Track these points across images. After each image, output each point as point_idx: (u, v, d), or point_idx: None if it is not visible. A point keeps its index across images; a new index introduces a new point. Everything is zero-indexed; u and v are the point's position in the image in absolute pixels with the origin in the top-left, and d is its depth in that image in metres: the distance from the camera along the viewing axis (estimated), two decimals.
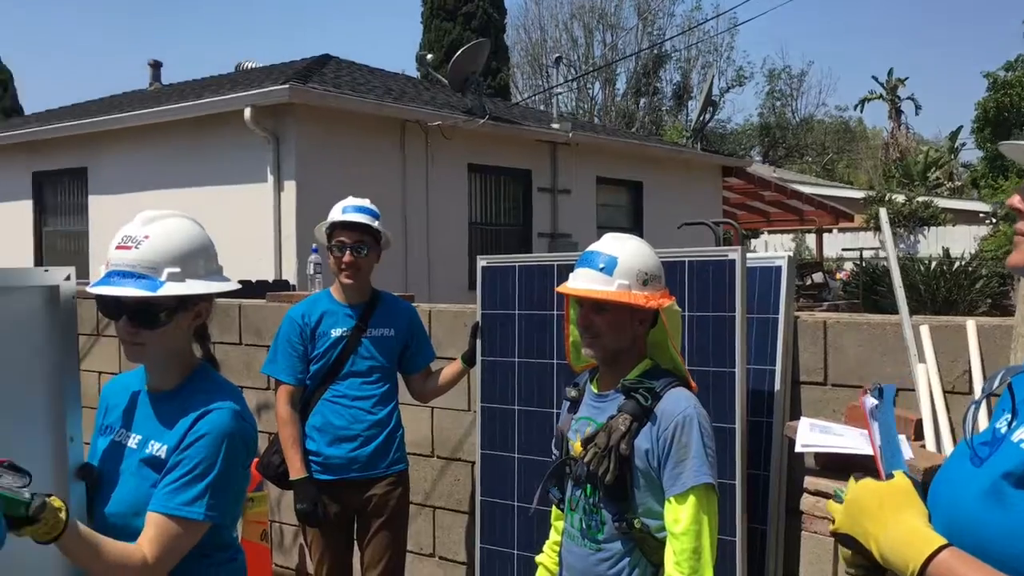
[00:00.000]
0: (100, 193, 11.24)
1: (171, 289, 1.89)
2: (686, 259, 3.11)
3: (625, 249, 2.34)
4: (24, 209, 12.18)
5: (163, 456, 1.92)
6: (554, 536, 2.60)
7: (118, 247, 1.92)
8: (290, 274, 9.05)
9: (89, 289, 1.93)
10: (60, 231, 12.12)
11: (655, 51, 32.63)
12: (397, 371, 3.70)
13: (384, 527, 3.59)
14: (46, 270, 1.97)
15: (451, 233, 10.83)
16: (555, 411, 3.40)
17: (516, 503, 3.56)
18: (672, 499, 2.21)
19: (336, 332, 3.55)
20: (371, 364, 3.57)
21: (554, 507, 2.58)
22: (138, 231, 1.93)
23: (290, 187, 9.35)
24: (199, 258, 1.97)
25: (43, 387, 1.93)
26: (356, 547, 3.69)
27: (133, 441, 1.99)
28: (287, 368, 3.54)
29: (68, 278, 1.99)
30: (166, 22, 57.60)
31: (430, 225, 10.50)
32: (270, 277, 8.89)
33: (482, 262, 3.72)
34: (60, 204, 12.09)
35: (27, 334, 1.91)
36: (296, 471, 3.47)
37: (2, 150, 12.32)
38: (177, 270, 1.90)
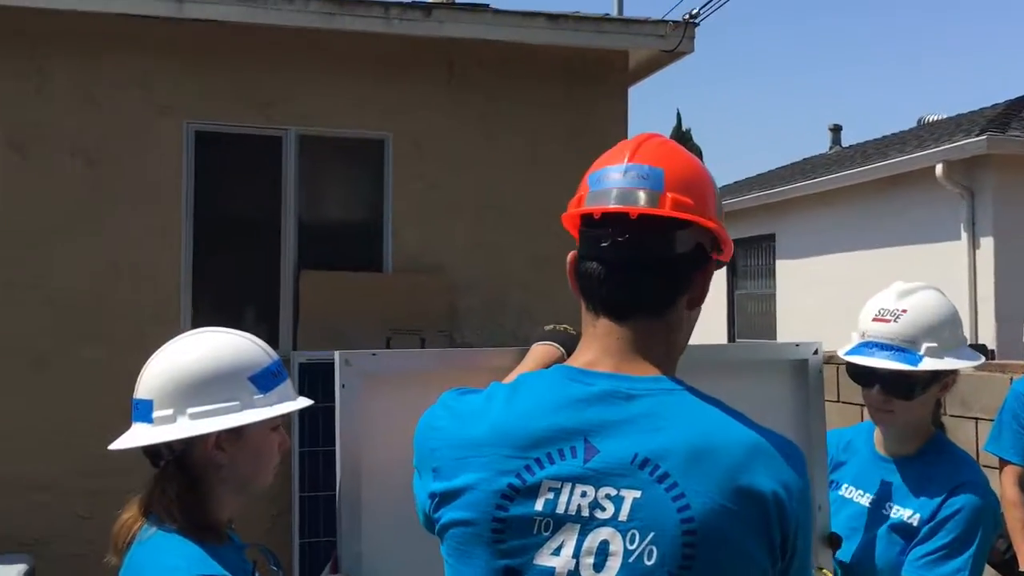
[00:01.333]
0: (786, 257, 11.85)
1: (929, 364, 1.94)
2: None
3: None
4: (717, 274, 13.41)
5: (915, 524, 1.94)
6: None
7: (875, 319, 2.01)
8: (987, 338, 8.37)
9: (844, 356, 2.05)
10: (748, 294, 13.08)
11: None
12: None
13: None
14: (797, 345, 2.11)
15: None
16: None
17: None
18: None
19: None
20: None
21: None
22: (894, 304, 2.00)
23: (987, 244, 8.71)
24: (949, 330, 2.00)
25: None
26: None
27: (868, 500, 2.04)
28: (1014, 447, 3.27)
29: (816, 352, 2.10)
30: (843, 85, 58.71)
31: None
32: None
33: None
34: (749, 268, 13.07)
35: (784, 404, 2.07)
36: None
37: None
38: (934, 345, 1.95)
